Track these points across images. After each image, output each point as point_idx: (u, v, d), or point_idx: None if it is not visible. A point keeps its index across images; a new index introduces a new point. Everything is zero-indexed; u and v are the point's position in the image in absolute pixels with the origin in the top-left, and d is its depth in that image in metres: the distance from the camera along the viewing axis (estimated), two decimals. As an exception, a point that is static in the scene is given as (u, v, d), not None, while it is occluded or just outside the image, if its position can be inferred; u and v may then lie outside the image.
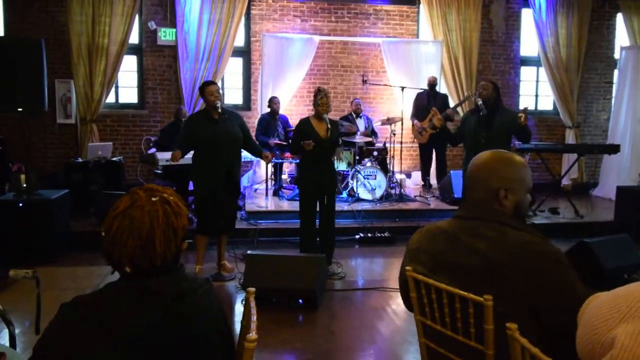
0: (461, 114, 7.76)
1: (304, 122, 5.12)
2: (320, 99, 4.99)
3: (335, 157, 5.33)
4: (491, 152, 1.87)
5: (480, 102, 5.21)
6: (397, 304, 4.48)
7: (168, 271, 1.45)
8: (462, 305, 1.73)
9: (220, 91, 4.98)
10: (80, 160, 7.44)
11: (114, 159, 7.54)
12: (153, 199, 1.45)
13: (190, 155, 5.07)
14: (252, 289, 1.72)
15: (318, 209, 5.17)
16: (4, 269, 2.17)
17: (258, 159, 7.40)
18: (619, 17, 9.56)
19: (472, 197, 1.83)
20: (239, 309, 4.38)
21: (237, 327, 1.53)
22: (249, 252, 4.77)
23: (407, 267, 1.91)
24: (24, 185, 5.54)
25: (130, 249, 1.39)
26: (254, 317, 1.56)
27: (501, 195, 1.77)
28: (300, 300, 4.35)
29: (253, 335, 1.45)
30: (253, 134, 8.02)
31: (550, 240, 1.75)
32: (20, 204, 5.40)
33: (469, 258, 1.74)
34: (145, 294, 1.38)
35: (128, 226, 1.40)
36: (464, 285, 1.71)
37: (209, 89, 4.86)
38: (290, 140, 7.56)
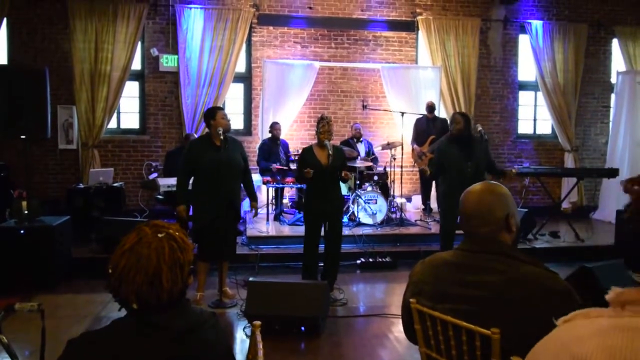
0: None
1: (307, 150, 5.19)
2: (322, 126, 5.04)
3: (344, 182, 5.34)
4: (480, 185, 1.92)
5: (480, 129, 5.27)
6: (399, 330, 4.45)
7: (175, 306, 1.46)
8: (468, 337, 1.73)
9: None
10: (81, 186, 7.45)
11: (115, 184, 7.55)
12: (159, 235, 1.47)
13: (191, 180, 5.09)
14: (258, 323, 1.73)
15: (323, 234, 5.19)
16: (5, 297, 2.17)
17: (258, 185, 7.44)
18: (615, 43, 9.69)
19: (480, 233, 1.84)
20: (240, 337, 4.36)
21: (239, 356, 1.53)
22: (250, 279, 4.75)
23: (412, 300, 1.92)
24: (26, 211, 5.54)
25: (137, 285, 1.40)
26: (261, 352, 1.56)
27: (511, 222, 1.83)
28: (303, 328, 4.33)
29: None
30: (254, 159, 8.08)
31: (558, 274, 1.76)
32: (22, 231, 5.40)
33: (477, 291, 1.74)
34: (152, 330, 1.39)
35: (135, 263, 1.42)
36: (470, 318, 1.71)
37: (221, 113, 4.89)
38: (290, 165, 7.62)
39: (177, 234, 1.50)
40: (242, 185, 5.14)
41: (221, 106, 5.55)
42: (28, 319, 3.91)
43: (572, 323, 1.22)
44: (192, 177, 5.01)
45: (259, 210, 7.94)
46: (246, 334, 4.37)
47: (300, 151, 5.54)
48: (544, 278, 1.70)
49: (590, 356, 1.07)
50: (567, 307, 1.60)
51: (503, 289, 1.70)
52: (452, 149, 5.29)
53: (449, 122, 5.47)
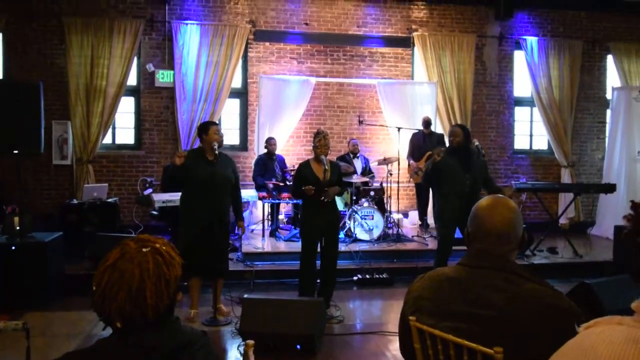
0: None
1: (303, 165, 5.14)
2: (318, 141, 5.01)
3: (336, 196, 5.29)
4: (497, 200, 1.84)
5: (477, 144, 5.26)
6: (396, 348, 4.35)
7: (162, 325, 1.39)
8: (469, 357, 1.67)
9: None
10: (75, 201, 7.38)
11: (109, 200, 7.48)
12: (144, 249, 1.41)
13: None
14: (251, 342, 1.66)
15: (319, 249, 5.13)
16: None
17: (254, 200, 7.38)
18: (610, 59, 9.75)
19: (499, 251, 1.76)
20: (235, 355, 4.27)
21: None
22: (245, 295, 4.68)
23: (411, 317, 1.85)
24: (17, 227, 5.46)
25: (120, 302, 1.34)
26: (254, 372, 1.50)
27: (525, 238, 1.80)
28: (299, 346, 4.24)
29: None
30: (250, 174, 8.04)
31: (562, 293, 1.71)
32: (13, 247, 5.32)
33: (480, 309, 1.68)
34: (138, 350, 1.32)
35: (118, 279, 1.35)
36: (472, 336, 1.65)
37: (214, 128, 4.86)
38: (287, 181, 7.58)
39: (163, 248, 1.43)
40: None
41: (215, 121, 5.47)
42: (15, 338, 3.83)
43: (592, 330, 1.22)
44: (182, 191, 4.96)
45: (254, 227, 7.95)
46: (240, 352, 4.28)
47: (296, 166, 5.49)
48: (549, 297, 1.65)
49: None
50: (571, 326, 1.54)
51: (507, 307, 1.64)
52: (452, 160, 5.28)
53: (447, 135, 5.44)
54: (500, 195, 1.92)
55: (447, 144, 8.25)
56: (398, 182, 7.97)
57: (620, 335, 1.14)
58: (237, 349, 4.36)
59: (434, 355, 1.80)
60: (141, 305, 1.35)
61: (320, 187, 4.97)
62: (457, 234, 5.53)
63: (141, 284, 1.35)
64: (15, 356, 3.74)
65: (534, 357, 1.54)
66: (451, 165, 5.28)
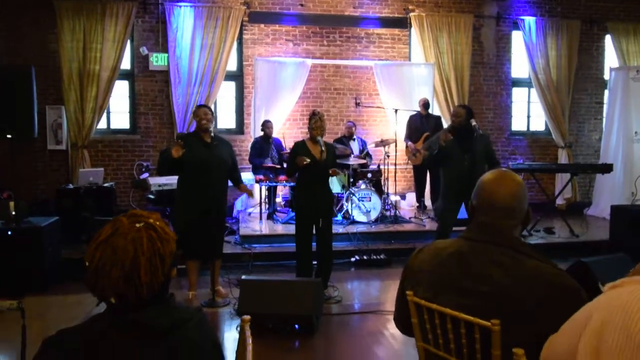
0: None
1: (299, 145, 5.11)
2: (314, 122, 4.98)
3: (335, 177, 5.28)
4: (505, 175, 1.80)
5: (474, 124, 5.24)
6: (394, 327, 4.37)
7: (157, 301, 1.37)
8: (467, 330, 1.66)
9: (212, 115, 4.93)
10: (71, 186, 7.34)
11: (105, 184, 7.45)
12: (137, 225, 1.37)
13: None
14: (247, 317, 1.66)
15: (314, 232, 5.11)
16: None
17: (251, 183, 7.37)
18: (608, 39, 9.68)
19: (504, 225, 1.73)
20: (233, 335, 4.28)
21: (231, 355, 1.45)
22: (243, 277, 4.68)
23: (408, 292, 1.84)
24: (13, 212, 5.44)
25: (114, 279, 1.30)
26: (250, 347, 1.49)
27: (530, 216, 1.78)
28: (297, 326, 4.25)
29: (249, 365, 1.38)
30: (246, 157, 8.01)
31: (565, 271, 1.69)
32: (9, 232, 5.29)
33: (481, 284, 1.67)
34: (132, 327, 1.30)
35: (111, 256, 1.32)
36: (473, 311, 1.64)
37: (201, 110, 4.86)
38: (284, 164, 7.55)
39: (157, 223, 1.40)
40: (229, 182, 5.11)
41: (207, 104, 5.37)
42: (14, 322, 3.82)
43: (622, 289, 1.24)
44: (179, 175, 4.94)
45: (251, 210, 7.93)
46: (239, 333, 4.29)
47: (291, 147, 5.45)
48: (553, 275, 1.63)
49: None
50: (574, 304, 1.50)
51: (510, 283, 1.62)
52: (452, 141, 5.26)
53: (451, 114, 5.39)
54: (509, 170, 1.87)
55: (445, 126, 8.27)
56: (395, 164, 7.95)
57: None
58: (236, 329, 4.37)
59: (431, 330, 1.79)
60: (135, 282, 1.32)
61: (316, 168, 4.95)
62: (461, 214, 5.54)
63: (135, 260, 1.32)
64: (12, 339, 3.74)
65: (535, 334, 1.53)
66: (451, 146, 5.26)
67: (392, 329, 4.39)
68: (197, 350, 1.36)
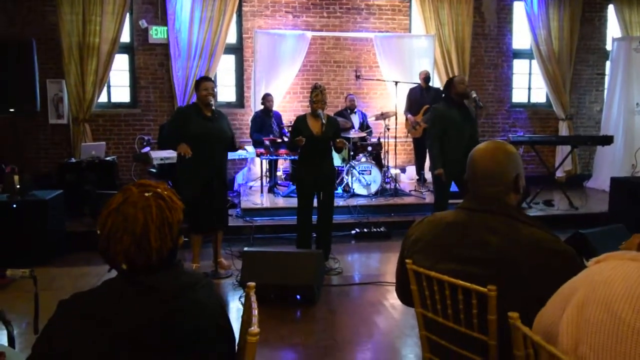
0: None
1: (300, 120, 5.13)
2: (315, 95, 4.99)
3: (339, 151, 5.29)
4: (492, 143, 1.86)
5: (474, 95, 5.23)
6: (394, 297, 4.46)
7: (165, 267, 1.43)
8: (464, 296, 1.72)
9: (214, 89, 4.95)
10: (73, 160, 7.39)
11: (107, 158, 7.48)
12: (146, 194, 1.43)
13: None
14: (252, 284, 1.71)
15: (315, 204, 5.17)
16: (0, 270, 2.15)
17: (252, 157, 7.41)
18: (611, 9, 9.58)
19: (489, 192, 1.79)
20: (237, 305, 4.37)
21: (235, 324, 1.51)
22: (245, 249, 4.75)
23: (407, 261, 1.90)
24: (18, 186, 5.49)
25: (125, 245, 1.37)
26: (255, 312, 1.55)
27: (519, 183, 1.80)
28: (298, 296, 4.34)
29: (255, 329, 1.44)
30: (247, 131, 8.02)
31: (560, 238, 1.74)
32: (14, 205, 5.36)
33: (478, 251, 1.72)
34: (143, 290, 1.37)
35: (122, 223, 1.38)
36: (471, 278, 1.69)
37: (203, 84, 4.85)
38: (284, 137, 7.57)
39: (165, 192, 1.46)
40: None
41: (209, 77, 5.32)
42: (26, 291, 3.91)
43: (604, 264, 1.26)
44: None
45: (252, 183, 7.98)
46: (242, 303, 4.38)
47: (293, 123, 5.48)
48: (546, 241, 1.68)
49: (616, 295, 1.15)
50: (569, 270, 1.55)
51: (504, 249, 1.67)
52: (452, 113, 5.23)
53: (457, 81, 5.30)
54: (502, 140, 1.92)
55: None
56: (395, 137, 7.97)
57: (636, 272, 1.16)
58: (239, 300, 4.46)
59: (430, 297, 1.86)
60: (146, 249, 1.38)
61: (316, 142, 4.98)
62: (453, 187, 5.58)
63: (145, 228, 1.39)
64: (24, 309, 3.84)
65: (531, 299, 1.58)
66: (452, 117, 5.23)
67: (391, 299, 4.48)
68: (204, 310, 1.42)
